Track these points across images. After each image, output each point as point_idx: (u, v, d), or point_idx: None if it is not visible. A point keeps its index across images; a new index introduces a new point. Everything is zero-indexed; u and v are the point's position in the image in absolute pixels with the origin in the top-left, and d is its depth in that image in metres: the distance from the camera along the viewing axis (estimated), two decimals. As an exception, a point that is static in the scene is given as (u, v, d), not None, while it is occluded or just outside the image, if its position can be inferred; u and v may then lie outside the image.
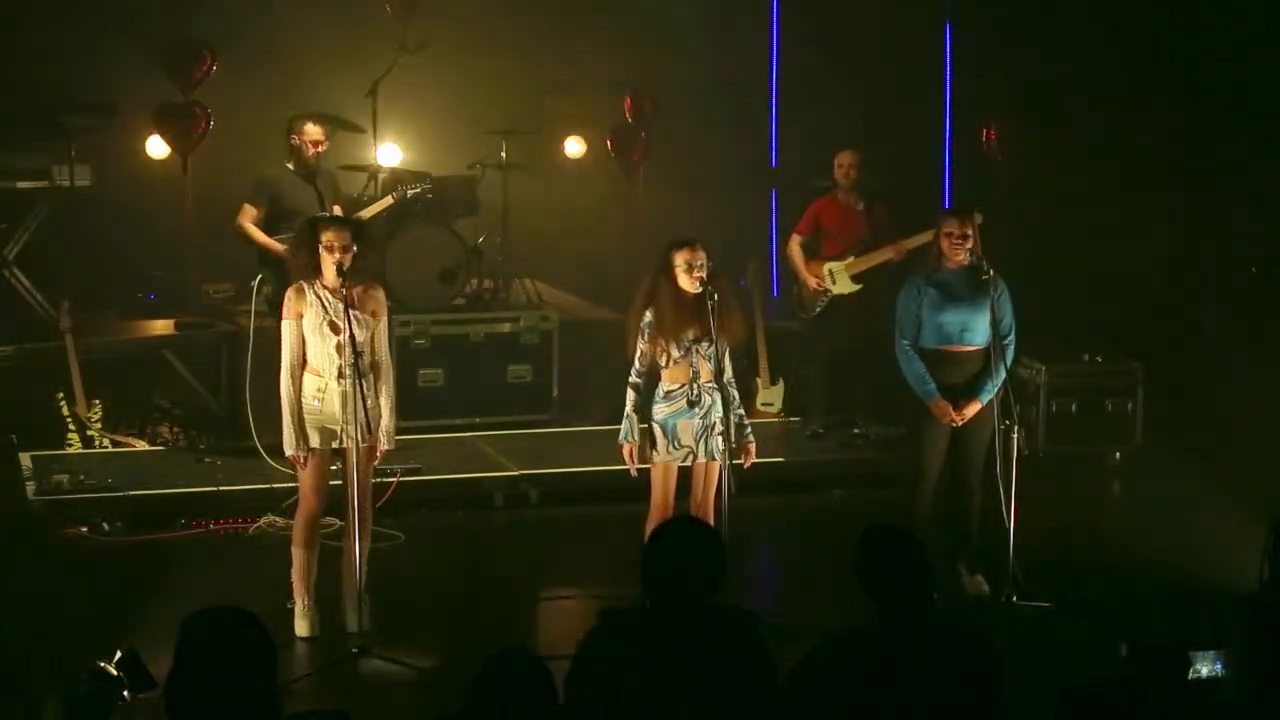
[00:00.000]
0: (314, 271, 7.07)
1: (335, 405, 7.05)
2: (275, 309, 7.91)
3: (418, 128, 11.82)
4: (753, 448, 7.34)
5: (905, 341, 7.77)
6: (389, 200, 10.11)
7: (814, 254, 10.45)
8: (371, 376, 7.06)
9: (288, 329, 7.09)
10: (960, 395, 7.76)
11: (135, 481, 9.00)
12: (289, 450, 7.09)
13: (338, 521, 7.73)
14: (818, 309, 10.42)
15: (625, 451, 7.30)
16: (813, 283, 10.38)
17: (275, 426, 7.27)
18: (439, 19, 11.60)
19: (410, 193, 10.18)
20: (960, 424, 7.73)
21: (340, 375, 7.02)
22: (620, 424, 7.32)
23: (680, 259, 7.17)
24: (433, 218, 10.78)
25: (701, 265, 7.15)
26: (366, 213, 9.90)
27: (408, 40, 11.22)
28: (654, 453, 7.27)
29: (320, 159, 9.64)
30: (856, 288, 10.31)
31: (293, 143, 9.59)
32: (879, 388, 10.31)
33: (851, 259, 10.30)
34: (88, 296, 10.57)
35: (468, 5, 11.86)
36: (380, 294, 7.22)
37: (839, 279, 10.33)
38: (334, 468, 7.25)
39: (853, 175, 10.32)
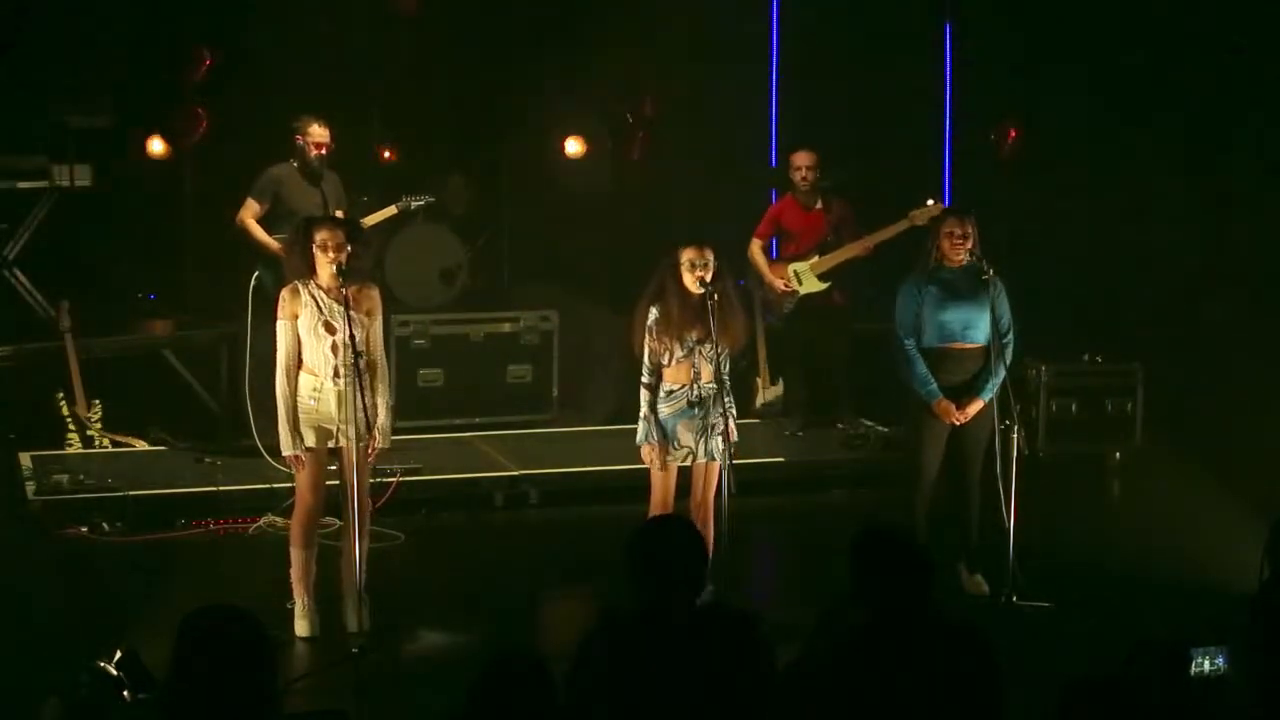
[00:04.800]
0: (308, 271, 7.06)
1: (331, 405, 7.05)
2: (271, 307, 7.90)
3: (418, 127, 11.81)
4: (733, 424, 7.29)
5: (908, 342, 7.73)
6: (392, 210, 10.14)
7: (774, 256, 10.51)
8: (368, 376, 7.05)
9: (283, 329, 7.08)
10: (962, 393, 7.75)
11: (135, 481, 8.99)
12: (286, 451, 7.09)
13: (337, 521, 7.73)
14: (786, 310, 10.48)
15: (645, 453, 7.28)
16: (779, 284, 10.42)
17: (274, 426, 7.28)
18: (438, 18, 11.60)
19: (415, 204, 10.22)
20: (962, 423, 7.73)
21: (336, 375, 7.02)
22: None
23: (685, 257, 7.16)
24: (433, 218, 10.79)
25: (705, 265, 7.14)
26: (370, 220, 9.92)
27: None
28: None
29: (324, 160, 9.64)
30: (824, 286, 10.38)
31: (297, 143, 9.59)
32: (860, 387, 10.37)
33: (816, 258, 10.35)
34: (88, 296, 10.57)
35: (467, 5, 11.86)
36: (375, 294, 7.22)
37: (805, 279, 10.38)
38: (331, 468, 7.26)
39: (810, 177, 10.37)
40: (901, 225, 9.84)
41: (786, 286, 10.40)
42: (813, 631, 4.67)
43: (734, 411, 7.33)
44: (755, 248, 10.55)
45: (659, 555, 4.62)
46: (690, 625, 4.53)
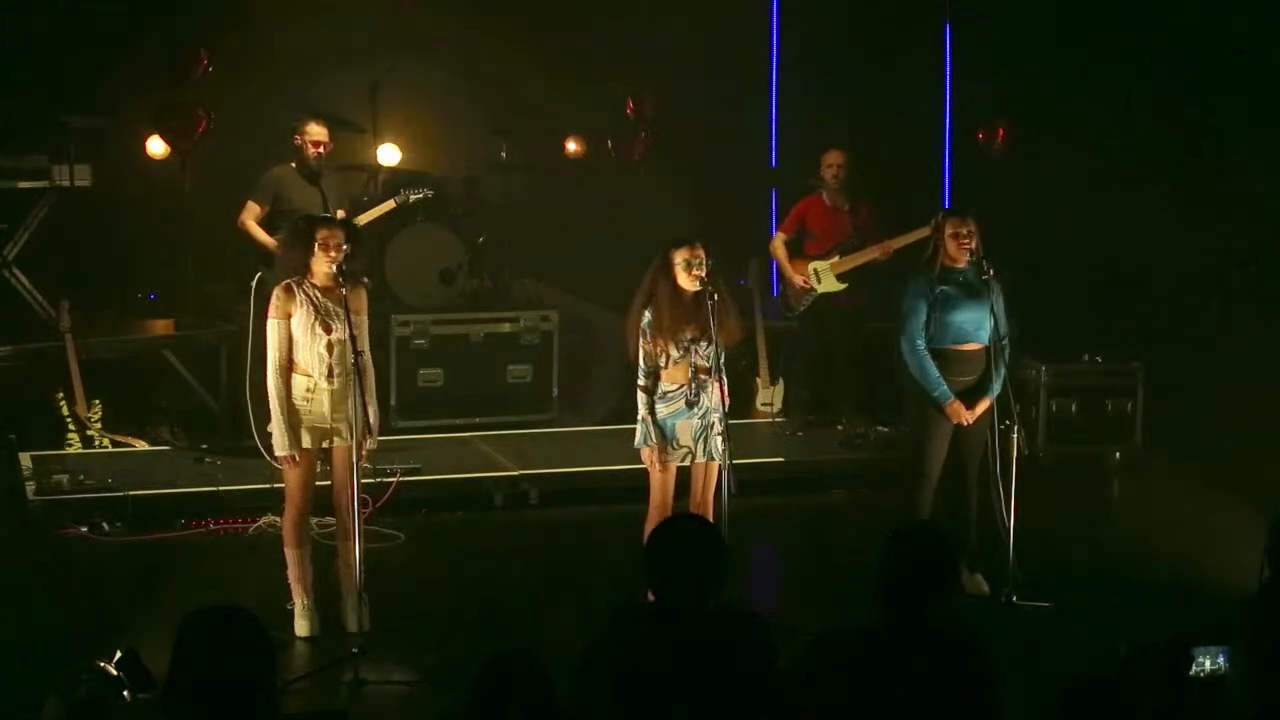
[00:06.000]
0: (304, 269, 7.06)
1: (325, 405, 7.04)
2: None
3: (418, 128, 11.82)
4: (724, 388, 7.28)
5: (919, 343, 7.70)
6: (391, 204, 10.12)
7: (797, 253, 10.49)
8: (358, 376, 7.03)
9: (275, 328, 7.05)
10: (971, 393, 7.74)
11: (135, 481, 8.99)
12: (280, 451, 7.07)
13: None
14: (802, 307, 10.46)
15: (646, 456, 7.27)
16: (798, 281, 10.40)
17: (264, 427, 7.26)
18: (439, 18, 11.61)
19: (413, 198, 10.19)
20: (971, 422, 7.71)
21: (330, 375, 7.02)
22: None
23: (679, 257, 7.15)
24: (433, 217, 10.78)
25: (700, 263, 7.13)
26: (368, 216, 9.91)
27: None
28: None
29: (323, 160, 9.63)
30: (842, 287, 10.35)
31: (296, 143, 9.59)
32: (867, 387, 10.36)
33: (837, 258, 10.33)
34: (88, 296, 10.57)
35: (468, 4, 11.87)
36: (363, 294, 7.20)
37: (824, 278, 10.36)
38: (326, 467, 7.26)
39: (840, 176, 10.33)
40: (924, 232, 9.77)
41: (805, 283, 10.38)
42: (813, 637, 4.65)
43: (725, 380, 7.27)
44: (778, 242, 10.55)
45: (677, 557, 4.60)
46: (695, 626, 4.53)
